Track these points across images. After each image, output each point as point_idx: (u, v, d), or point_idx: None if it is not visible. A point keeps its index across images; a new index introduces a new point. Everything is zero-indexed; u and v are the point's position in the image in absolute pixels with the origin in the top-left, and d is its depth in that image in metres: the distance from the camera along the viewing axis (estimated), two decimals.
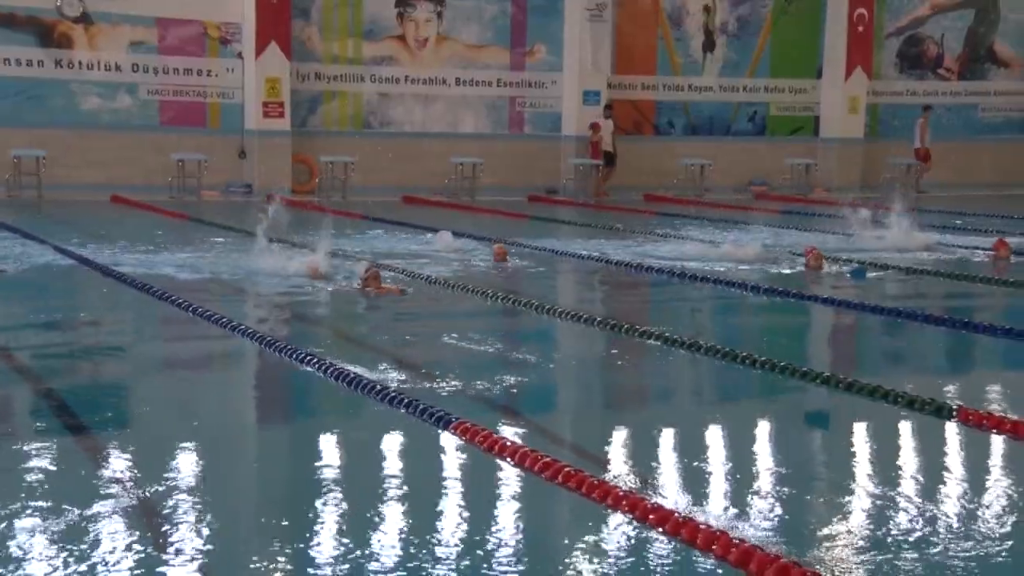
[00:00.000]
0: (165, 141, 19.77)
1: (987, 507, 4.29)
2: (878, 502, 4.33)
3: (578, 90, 21.68)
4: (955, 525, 4.09)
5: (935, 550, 3.80)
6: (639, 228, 14.90)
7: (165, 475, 4.42)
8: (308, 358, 6.42)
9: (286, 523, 4.06)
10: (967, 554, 3.76)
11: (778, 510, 4.21)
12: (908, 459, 5.01)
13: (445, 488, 4.44)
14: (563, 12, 21.74)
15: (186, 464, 4.69)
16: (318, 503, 4.21)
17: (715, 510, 4.17)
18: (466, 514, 4.14)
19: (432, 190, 20.37)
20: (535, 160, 21.78)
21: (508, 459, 4.66)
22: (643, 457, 4.97)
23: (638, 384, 6.63)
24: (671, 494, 4.36)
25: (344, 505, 4.22)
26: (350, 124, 21.34)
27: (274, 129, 20.30)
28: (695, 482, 4.53)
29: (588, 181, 21.48)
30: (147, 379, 6.55)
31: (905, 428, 5.41)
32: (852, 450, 5.19)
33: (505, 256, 11.04)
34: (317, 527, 3.98)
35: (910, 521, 4.11)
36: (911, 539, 3.93)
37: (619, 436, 5.39)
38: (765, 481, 4.58)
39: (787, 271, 10.94)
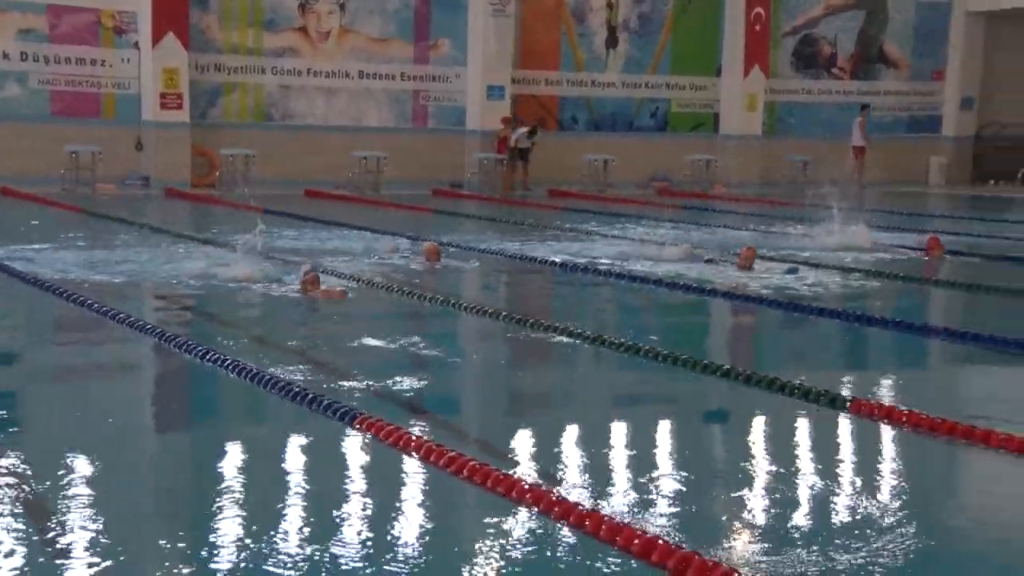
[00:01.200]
0: (58, 132, 19.20)
1: (878, 495, 4.42)
2: (775, 491, 4.43)
3: (482, 84, 21.69)
4: (848, 512, 4.21)
5: (830, 537, 3.91)
6: (565, 226, 14.73)
7: (62, 479, 4.29)
8: (213, 356, 6.29)
9: (186, 522, 3.98)
10: (860, 540, 3.87)
11: (679, 501, 4.28)
12: (803, 449, 5.13)
13: (348, 484, 4.40)
14: (467, 6, 21.72)
15: (82, 467, 4.56)
16: (219, 501, 4.14)
17: (618, 502, 4.22)
18: (370, 509, 4.11)
19: (335, 184, 20.16)
20: (439, 154, 21.73)
21: (413, 454, 4.64)
22: (549, 452, 4.99)
23: (548, 380, 6.66)
24: (576, 487, 4.39)
25: (245, 503, 4.15)
26: (251, 116, 21.00)
27: (172, 121, 19.87)
28: (598, 475, 4.57)
29: (495, 176, 21.52)
30: (42, 383, 6.34)
31: (801, 419, 5.54)
32: (750, 441, 5.29)
33: (438, 255, 10.66)
34: (218, 525, 3.90)
35: (806, 509, 4.22)
36: (807, 527, 4.03)
37: (526, 431, 5.42)
38: (666, 473, 4.65)
39: (713, 269, 10.68)
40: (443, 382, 6.35)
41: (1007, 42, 25.50)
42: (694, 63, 23.77)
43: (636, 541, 3.67)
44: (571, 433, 5.34)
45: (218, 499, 4.17)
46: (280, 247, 11.50)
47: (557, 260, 11.07)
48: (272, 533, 3.82)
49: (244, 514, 4.04)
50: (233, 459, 4.82)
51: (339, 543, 3.76)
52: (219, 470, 4.56)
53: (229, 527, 3.90)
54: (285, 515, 4.02)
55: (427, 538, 3.86)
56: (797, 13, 24.50)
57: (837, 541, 3.86)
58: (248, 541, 3.75)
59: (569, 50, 22.91)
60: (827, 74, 24.94)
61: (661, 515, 4.11)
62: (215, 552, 3.66)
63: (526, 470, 4.60)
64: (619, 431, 5.43)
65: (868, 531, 3.99)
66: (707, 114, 24.12)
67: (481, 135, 21.75)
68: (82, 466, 4.52)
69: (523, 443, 5.18)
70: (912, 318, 8.30)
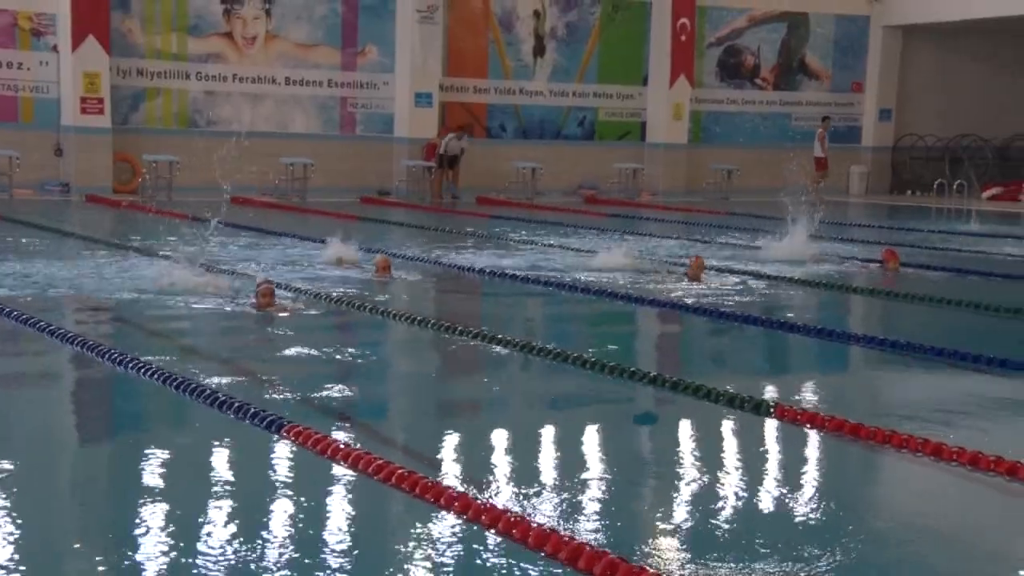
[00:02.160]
0: None
1: (800, 497, 4.50)
2: (701, 496, 4.49)
3: (410, 92, 21.65)
4: (772, 515, 4.28)
5: (753, 540, 3.97)
6: (509, 236, 14.54)
7: None
8: (139, 366, 6.19)
9: (109, 531, 3.91)
10: (783, 543, 3.94)
11: (606, 507, 4.31)
12: (726, 454, 5.21)
13: (275, 491, 4.36)
14: (394, 13, 21.66)
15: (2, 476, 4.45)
16: (143, 510, 4.06)
17: (545, 509, 4.23)
18: (297, 516, 4.07)
19: (261, 191, 19.94)
20: (367, 161, 21.64)
21: (341, 461, 4.61)
22: (476, 458, 5.00)
23: (480, 388, 6.66)
24: (503, 494, 4.40)
25: (171, 511, 4.08)
26: (175, 122, 20.68)
27: (93, 126, 19.48)
28: (526, 482, 4.58)
29: (424, 183, 21.48)
30: None
31: (727, 425, 5.62)
32: (675, 447, 5.35)
33: (389, 268, 10.31)
34: (141, 534, 3.84)
35: (731, 513, 4.29)
36: (733, 531, 4.09)
37: (453, 438, 5.41)
38: (594, 479, 4.68)
39: (662, 279, 10.54)
40: (378, 392, 6.32)
41: (922, 55, 26.20)
42: (621, 72, 24.00)
43: (564, 547, 3.69)
44: (499, 440, 5.35)
45: (143, 508, 4.10)
46: (221, 257, 11.26)
47: (504, 271, 10.84)
48: (197, 542, 3.76)
49: (169, 522, 3.97)
50: (155, 468, 4.74)
51: (264, 551, 3.71)
52: (144, 479, 4.48)
53: (152, 536, 3.83)
54: (211, 523, 3.96)
55: (354, 546, 3.84)
56: (721, 24, 24.88)
57: (760, 544, 3.93)
58: (172, 550, 3.69)
59: (497, 58, 22.98)
60: (751, 84, 25.36)
61: (588, 521, 4.13)
62: (138, 561, 3.59)
63: (454, 477, 4.60)
64: (547, 438, 5.45)
65: (791, 534, 4.06)
66: (634, 123, 24.37)
67: (409, 142, 21.69)
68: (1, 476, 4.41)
69: (452, 450, 5.18)
70: (840, 326, 8.47)
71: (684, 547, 3.94)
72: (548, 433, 5.54)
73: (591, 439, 5.42)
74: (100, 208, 18.08)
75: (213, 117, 20.95)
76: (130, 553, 3.69)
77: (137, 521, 3.99)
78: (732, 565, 3.71)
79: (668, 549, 3.92)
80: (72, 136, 19.45)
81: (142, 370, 6.12)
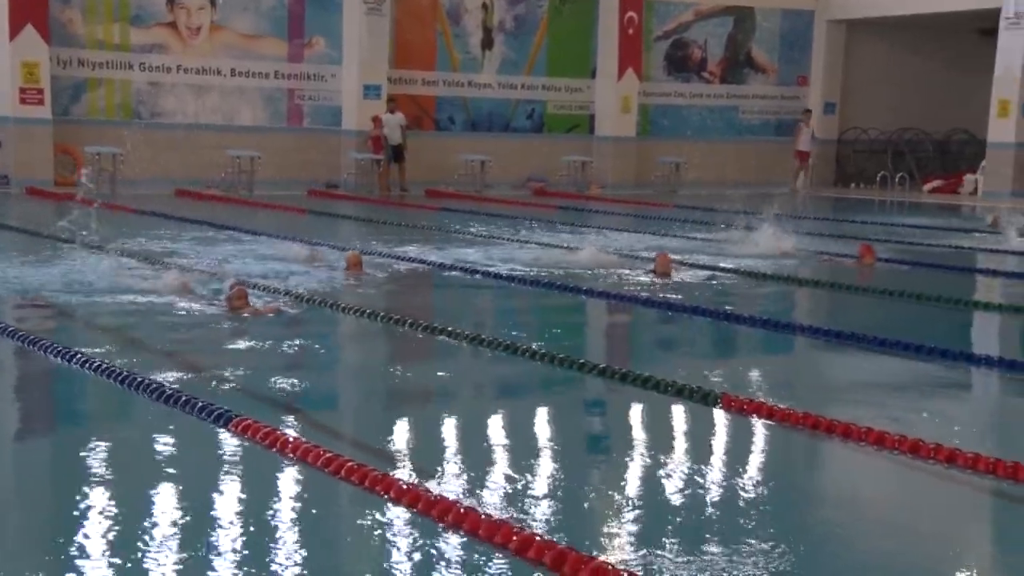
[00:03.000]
0: None
1: (745, 484, 4.57)
2: (649, 486, 4.54)
3: (358, 84, 21.52)
4: (719, 502, 4.34)
5: (700, 526, 4.03)
6: (467, 230, 14.31)
7: None
8: (84, 360, 6.11)
9: (53, 527, 3.86)
10: (729, 529, 4.00)
11: (556, 498, 4.35)
12: (674, 443, 5.27)
13: (223, 485, 4.33)
14: (341, 5, 21.53)
15: None
16: (87, 506, 4.02)
17: (495, 500, 4.26)
18: (246, 510, 4.05)
19: (207, 183, 19.73)
20: (315, 154, 21.50)
21: (290, 455, 4.60)
22: (427, 450, 5.00)
23: (432, 381, 6.66)
24: (454, 486, 4.41)
25: (117, 507, 4.04)
26: (118, 114, 20.38)
27: (33, 117, 19.14)
28: (477, 474, 4.60)
29: (372, 176, 21.37)
30: None
31: (675, 414, 5.68)
32: (624, 438, 5.40)
33: (360, 265, 10.07)
34: (86, 530, 3.80)
35: (680, 502, 4.34)
36: (681, 519, 4.15)
37: (404, 430, 5.42)
38: (544, 470, 4.72)
39: (632, 274, 10.42)
40: (349, 391, 6.31)
41: (866, 50, 26.59)
42: (569, 65, 24.06)
43: (514, 538, 3.71)
44: (450, 432, 5.37)
45: (88, 501, 4.05)
46: (182, 253, 10.92)
47: (464, 265, 10.68)
48: (143, 537, 3.73)
49: (113, 517, 3.94)
50: (101, 462, 4.69)
51: (213, 545, 3.69)
52: (90, 472, 4.43)
53: (96, 530, 3.79)
54: (158, 517, 3.93)
55: (303, 538, 3.83)
56: (668, 18, 25.04)
57: (706, 530, 3.98)
58: (116, 545, 3.66)
59: (445, 51, 22.93)
60: (698, 78, 25.56)
61: (537, 511, 4.16)
62: (83, 556, 3.56)
63: (404, 469, 4.61)
64: (496, 430, 5.48)
65: (735, 521, 4.12)
66: (582, 116, 24.45)
67: (357, 135, 21.57)
68: None
69: (402, 443, 5.18)
70: (799, 319, 8.59)
71: (633, 536, 3.98)
72: (496, 425, 5.56)
73: (541, 431, 5.46)
74: (41, 201, 17.76)
75: (157, 109, 20.68)
76: (73, 549, 3.65)
77: (79, 516, 3.94)
78: (679, 552, 3.76)
79: (617, 538, 3.97)
80: (11, 127, 19.09)
81: (83, 363, 6.05)
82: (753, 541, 3.89)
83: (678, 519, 4.16)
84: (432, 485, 4.34)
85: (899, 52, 26.67)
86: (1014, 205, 21.14)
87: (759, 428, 5.41)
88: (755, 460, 5.04)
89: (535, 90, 23.83)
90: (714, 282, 10.30)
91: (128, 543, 3.71)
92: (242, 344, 7.11)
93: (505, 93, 23.54)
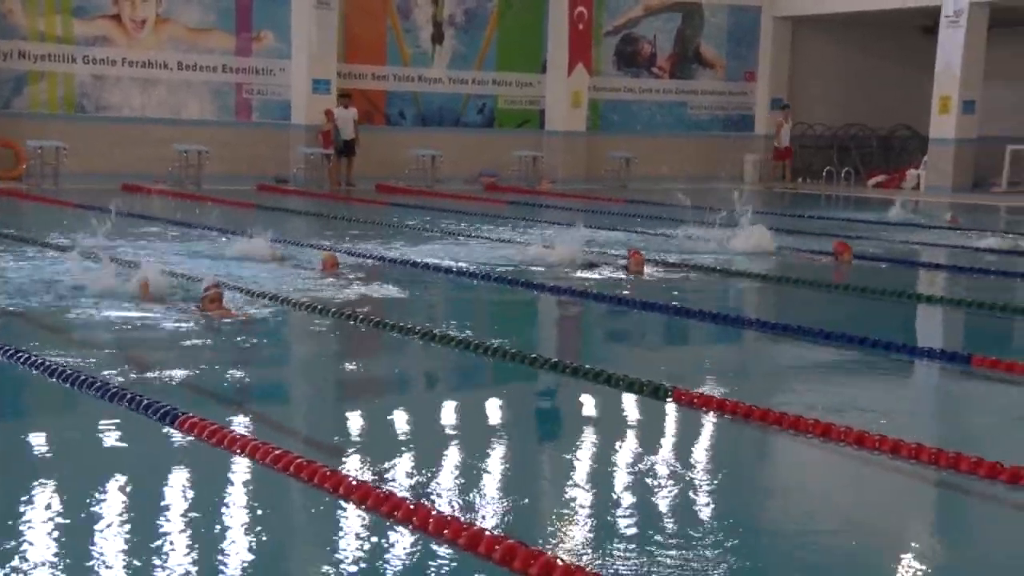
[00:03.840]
0: None
1: (694, 477, 4.60)
2: (600, 479, 4.55)
3: (307, 78, 21.34)
4: (668, 495, 4.36)
5: (652, 520, 4.04)
6: (435, 228, 13.99)
7: None
8: (21, 356, 6.00)
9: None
10: (677, 522, 4.02)
11: (507, 493, 4.34)
12: (624, 437, 5.28)
13: (170, 483, 4.27)
14: None
15: None
16: (31, 506, 3.94)
17: (445, 496, 4.24)
18: (195, 508, 4.00)
19: (154, 178, 19.46)
20: (264, 148, 21.29)
21: (238, 452, 4.55)
22: (377, 446, 4.97)
23: (381, 377, 6.62)
24: (404, 483, 4.39)
25: (62, 506, 3.97)
26: (61, 107, 20.03)
27: None
28: (427, 470, 4.58)
29: (322, 171, 21.22)
30: None
31: (627, 408, 5.70)
32: (577, 431, 5.40)
33: (336, 265, 9.70)
34: (30, 530, 3.72)
35: (630, 496, 4.35)
36: (631, 512, 4.16)
37: (355, 427, 5.39)
38: (496, 465, 4.71)
39: (601, 272, 10.28)
40: (287, 385, 6.24)
41: (812, 46, 26.89)
42: (519, 60, 24.06)
43: (463, 534, 3.70)
44: (401, 428, 5.34)
45: (34, 501, 3.98)
46: (145, 252, 10.53)
47: (439, 264, 10.46)
48: (87, 536, 3.67)
49: (57, 515, 3.86)
50: (44, 460, 4.60)
51: (160, 544, 3.64)
52: (34, 471, 4.35)
53: (44, 529, 3.72)
54: (104, 517, 3.87)
55: (252, 536, 3.79)
56: (618, 13, 25.12)
57: (656, 523, 4.00)
58: (59, 544, 3.59)
59: (395, 45, 22.81)
60: (647, 73, 25.68)
61: (488, 507, 4.15)
62: (30, 554, 3.49)
63: (354, 466, 4.58)
64: (448, 425, 5.46)
65: (684, 513, 4.14)
66: (533, 111, 24.46)
67: (307, 129, 21.40)
68: None
69: (352, 439, 5.15)
70: (747, 313, 8.66)
71: (583, 530, 3.99)
72: (447, 420, 5.54)
73: (493, 425, 5.45)
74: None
75: (102, 102, 20.35)
76: (13, 545, 3.57)
77: (23, 513, 3.87)
78: (630, 545, 3.78)
79: (567, 532, 3.97)
80: None
81: (27, 362, 5.94)
82: (702, 535, 3.92)
83: (627, 512, 4.17)
84: (382, 481, 4.32)
85: (844, 49, 27.00)
86: (956, 200, 21.52)
87: (709, 421, 5.45)
88: (704, 452, 5.07)
89: (485, 85, 23.79)
90: (690, 279, 10.20)
91: (71, 541, 3.64)
92: (211, 347, 6.81)
93: (456, 88, 23.48)
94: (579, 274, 10.19)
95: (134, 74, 20.52)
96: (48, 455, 4.77)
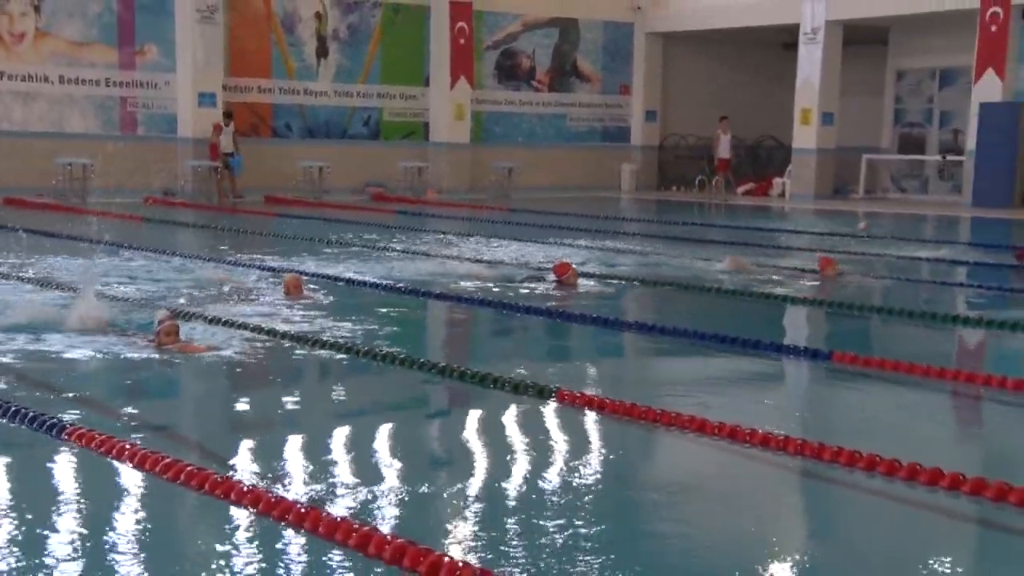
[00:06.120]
0: None
1: (579, 474, 4.66)
2: (486, 477, 4.57)
3: (192, 91, 20.89)
4: (554, 491, 4.41)
5: (540, 517, 4.08)
6: (340, 238, 13.52)
7: None
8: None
9: None
10: (565, 517, 4.07)
11: (396, 493, 4.33)
12: (514, 437, 5.32)
13: (58, 496, 4.13)
14: (173, 12, 20.85)
15: None
16: None
17: (341, 501, 4.21)
18: (83, 521, 3.88)
19: (37, 192, 18.77)
20: (150, 161, 20.74)
21: (127, 462, 4.43)
22: (269, 454, 4.90)
23: (274, 385, 6.52)
24: (295, 487, 4.34)
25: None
26: None
27: None
28: (317, 474, 4.54)
29: (210, 183, 20.78)
30: None
31: (513, 410, 5.74)
32: (463, 432, 5.42)
33: (300, 288, 8.94)
34: None
35: (515, 492, 4.39)
36: (516, 508, 4.19)
37: (247, 435, 5.29)
38: (385, 466, 4.69)
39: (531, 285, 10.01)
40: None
41: (682, 61, 27.51)
42: (403, 74, 24.00)
43: (353, 535, 3.68)
44: (293, 437, 5.27)
45: None
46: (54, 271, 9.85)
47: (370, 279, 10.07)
48: None
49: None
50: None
51: (50, 552, 3.52)
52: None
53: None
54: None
55: (145, 547, 3.69)
56: (497, 28, 25.27)
57: (544, 518, 4.04)
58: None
59: (280, 59, 22.50)
60: (527, 86, 25.89)
61: (378, 508, 4.14)
62: None
63: (250, 475, 4.50)
64: (339, 432, 5.41)
65: (571, 507, 4.20)
66: (417, 123, 24.42)
67: (194, 143, 20.94)
68: None
69: (247, 451, 5.06)
70: (636, 318, 8.79)
71: (471, 526, 4.00)
72: (339, 427, 5.50)
73: (385, 428, 5.42)
74: None
75: None
76: None
77: None
78: (518, 542, 3.81)
79: (455, 530, 3.98)
80: None
81: None
82: (588, 528, 3.97)
83: (514, 507, 4.20)
84: (277, 488, 4.26)
85: (713, 64, 27.71)
86: (818, 206, 22.28)
87: (591, 419, 5.52)
88: (585, 449, 5.14)
89: (370, 98, 23.66)
90: (613, 291, 10.00)
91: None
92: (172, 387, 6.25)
93: (341, 101, 23.29)
94: (510, 286, 9.90)
95: (14, 88, 19.77)
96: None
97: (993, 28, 21.10)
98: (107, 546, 3.69)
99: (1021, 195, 21.51)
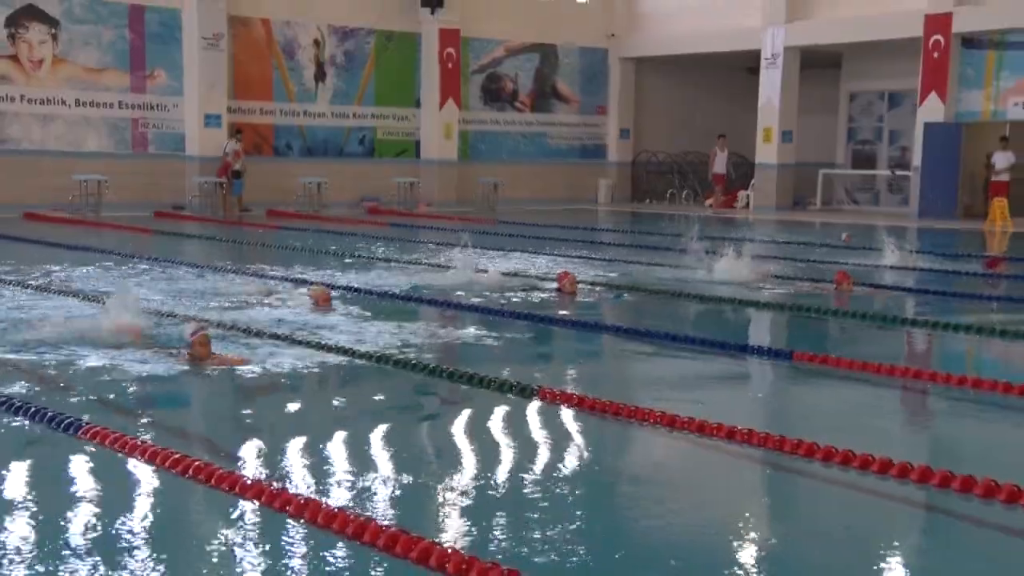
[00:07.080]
0: None
1: (559, 468, 4.68)
2: (471, 469, 4.58)
3: (199, 113, 20.87)
4: (536, 483, 4.42)
5: (523, 508, 4.09)
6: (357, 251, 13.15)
7: None
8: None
9: None
10: (547, 508, 4.08)
11: (391, 484, 4.33)
12: (499, 432, 5.33)
13: (76, 491, 4.12)
14: (181, 40, 20.82)
15: None
16: None
17: (340, 495, 4.21)
18: (100, 514, 3.86)
19: (54, 207, 18.67)
20: (160, 178, 20.69)
21: (139, 458, 4.42)
22: (272, 450, 4.90)
23: (275, 385, 6.50)
24: (297, 480, 4.34)
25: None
26: None
27: None
28: (317, 469, 4.54)
29: (215, 198, 20.74)
30: None
31: (498, 407, 5.75)
32: (450, 429, 5.43)
33: (328, 300, 8.67)
34: None
35: (501, 484, 4.40)
36: (501, 499, 4.20)
37: (251, 433, 5.28)
38: (380, 459, 4.69)
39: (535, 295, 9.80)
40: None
41: (653, 84, 27.60)
42: (396, 96, 24.01)
43: (350, 525, 3.68)
44: (297, 436, 5.26)
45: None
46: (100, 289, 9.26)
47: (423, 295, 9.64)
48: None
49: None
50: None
51: (67, 545, 3.51)
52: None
53: None
54: (12, 527, 3.70)
55: (159, 541, 3.69)
56: (482, 54, 25.31)
57: (526, 509, 4.05)
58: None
59: (281, 83, 22.48)
60: (511, 107, 25.93)
61: (375, 499, 4.14)
62: None
63: (249, 466, 4.50)
64: (338, 430, 5.41)
65: (551, 499, 4.21)
66: (409, 141, 24.42)
67: (200, 160, 20.89)
68: None
69: (252, 448, 5.06)
70: (616, 322, 8.80)
71: (460, 516, 4.01)
72: (338, 425, 5.49)
73: (379, 425, 5.42)
74: None
75: (2, 136, 19.44)
76: None
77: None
78: (503, 532, 3.82)
79: (445, 520, 3.99)
80: None
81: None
82: (568, 520, 3.99)
83: (499, 498, 4.21)
84: (274, 480, 4.26)
85: (682, 86, 27.82)
86: (780, 217, 22.38)
87: (571, 416, 5.54)
88: (564, 444, 5.15)
89: (365, 118, 23.66)
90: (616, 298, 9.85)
91: None
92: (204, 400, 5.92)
93: (338, 121, 23.28)
94: (512, 296, 9.68)
95: (34, 110, 19.68)
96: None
97: (936, 55, 21.28)
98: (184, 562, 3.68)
99: (964, 207, 21.68)
